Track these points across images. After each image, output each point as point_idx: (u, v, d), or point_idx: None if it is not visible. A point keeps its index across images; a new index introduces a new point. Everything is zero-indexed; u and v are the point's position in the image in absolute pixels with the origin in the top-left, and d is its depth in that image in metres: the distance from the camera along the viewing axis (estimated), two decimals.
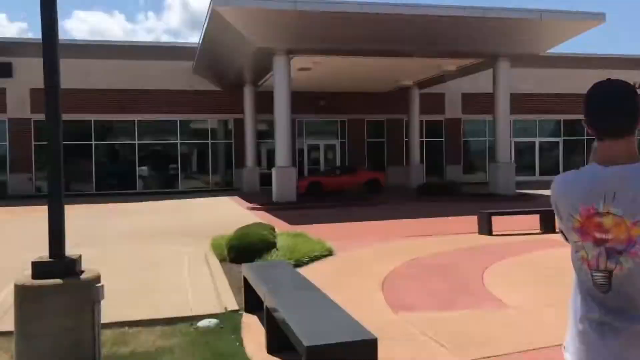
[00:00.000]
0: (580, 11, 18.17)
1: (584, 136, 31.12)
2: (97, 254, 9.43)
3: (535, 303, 5.88)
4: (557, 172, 30.23)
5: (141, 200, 20.82)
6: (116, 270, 7.86)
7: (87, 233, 12.17)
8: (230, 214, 15.71)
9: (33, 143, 24.70)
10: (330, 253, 8.86)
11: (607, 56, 29.74)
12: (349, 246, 9.64)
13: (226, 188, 26.08)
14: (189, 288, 6.81)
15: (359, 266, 7.94)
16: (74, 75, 23.07)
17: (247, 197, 20.95)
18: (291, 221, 13.37)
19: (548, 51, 22.86)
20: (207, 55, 22.29)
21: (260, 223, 9.99)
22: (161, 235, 11.68)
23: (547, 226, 11.07)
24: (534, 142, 30.93)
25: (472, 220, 11.51)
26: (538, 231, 11.24)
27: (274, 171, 18.25)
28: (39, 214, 14.68)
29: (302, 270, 7.63)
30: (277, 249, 8.44)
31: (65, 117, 24.00)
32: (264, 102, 22.43)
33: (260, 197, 19.95)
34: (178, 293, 6.56)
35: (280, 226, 12.44)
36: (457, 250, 9.17)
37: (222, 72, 23.49)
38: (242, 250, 8.18)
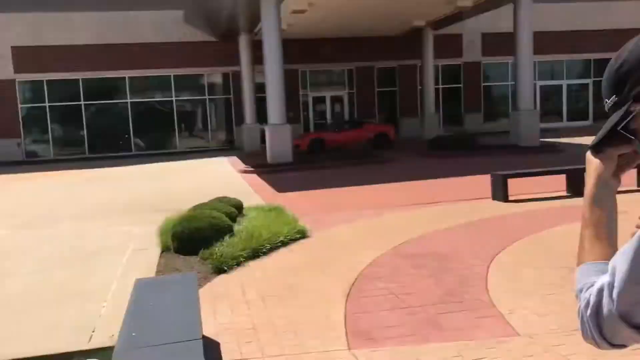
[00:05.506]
0: None
1: None
2: (29, 236, 8.04)
3: (562, 325, 4.07)
4: (586, 118, 28.14)
5: (134, 163, 19.32)
6: (29, 264, 6.32)
7: (45, 208, 10.90)
8: (219, 179, 14.15)
9: (19, 106, 23.21)
10: (302, 235, 7.13)
11: None
12: (331, 222, 7.93)
13: (226, 147, 24.31)
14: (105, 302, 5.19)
15: (330, 256, 6.21)
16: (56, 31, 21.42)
17: (246, 157, 19.23)
18: (279, 187, 12.03)
19: None
20: (196, 1, 20.23)
21: (223, 199, 8.33)
22: (127, 209, 10.11)
23: (575, 188, 9.19)
24: (561, 85, 28.32)
25: (487, 181, 9.65)
26: (564, 193, 9.37)
27: (266, 130, 16.37)
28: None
29: (255, 264, 5.96)
30: (233, 234, 6.77)
31: (51, 76, 22.89)
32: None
33: (257, 157, 18.16)
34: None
35: (265, 194, 11.17)
36: (462, 226, 7.37)
37: (214, 19, 21.42)
38: (186, 238, 6.52)
